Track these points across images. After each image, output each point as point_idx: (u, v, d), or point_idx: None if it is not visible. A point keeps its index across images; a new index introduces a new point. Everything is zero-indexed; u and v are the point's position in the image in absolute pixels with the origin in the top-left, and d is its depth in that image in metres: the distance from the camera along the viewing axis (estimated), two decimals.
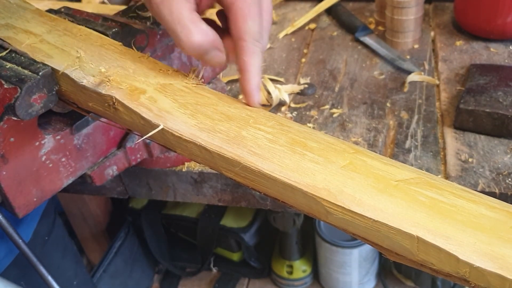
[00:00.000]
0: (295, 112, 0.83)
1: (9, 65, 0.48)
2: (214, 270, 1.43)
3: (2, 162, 0.49)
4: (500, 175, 0.66)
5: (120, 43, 0.50)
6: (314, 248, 1.35)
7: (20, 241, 0.55)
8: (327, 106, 0.83)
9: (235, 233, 1.32)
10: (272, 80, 0.88)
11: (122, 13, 0.60)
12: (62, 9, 0.56)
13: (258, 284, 1.43)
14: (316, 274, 1.40)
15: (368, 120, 0.79)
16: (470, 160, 0.69)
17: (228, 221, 1.33)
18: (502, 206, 0.32)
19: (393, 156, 0.71)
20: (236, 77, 0.93)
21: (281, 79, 0.92)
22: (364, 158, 0.37)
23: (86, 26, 0.52)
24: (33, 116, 0.47)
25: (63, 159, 0.56)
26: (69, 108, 0.52)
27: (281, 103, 0.85)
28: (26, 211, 0.54)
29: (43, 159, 0.53)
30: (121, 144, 0.64)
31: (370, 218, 0.33)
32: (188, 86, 0.44)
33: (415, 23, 0.95)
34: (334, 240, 1.24)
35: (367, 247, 1.24)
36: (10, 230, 0.54)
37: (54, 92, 0.48)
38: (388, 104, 0.82)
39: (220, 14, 0.49)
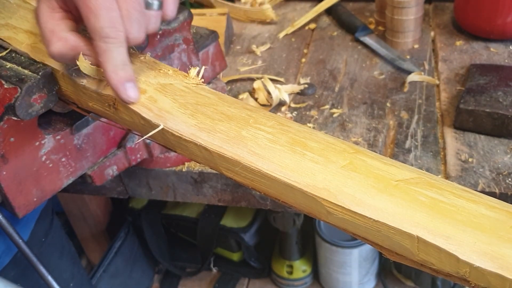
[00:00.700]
0: (295, 112, 0.83)
1: (9, 65, 0.48)
2: (214, 270, 1.43)
3: (2, 162, 0.49)
4: (500, 175, 0.66)
5: None
6: (314, 248, 1.35)
7: (20, 240, 0.55)
8: (327, 106, 0.83)
9: (235, 233, 1.32)
10: (272, 80, 0.88)
11: None
12: None
13: (258, 284, 1.43)
14: (316, 274, 1.40)
15: (368, 120, 0.79)
16: (470, 160, 0.69)
17: (228, 221, 1.33)
18: (502, 206, 0.32)
19: (393, 156, 0.71)
20: (236, 77, 0.93)
21: (281, 79, 0.92)
22: (364, 158, 0.36)
23: None
24: (33, 116, 0.47)
25: (63, 159, 0.56)
26: (69, 108, 0.52)
27: (281, 103, 0.85)
28: (26, 211, 0.54)
29: (43, 159, 0.53)
30: (121, 144, 0.64)
31: (370, 218, 0.33)
32: (188, 86, 0.44)
33: (415, 23, 0.95)
34: (334, 240, 1.24)
35: (367, 247, 1.24)
36: (10, 229, 0.54)
37: (54, 92, 0.48)
38: (388, 104, 0.82)
39: None
